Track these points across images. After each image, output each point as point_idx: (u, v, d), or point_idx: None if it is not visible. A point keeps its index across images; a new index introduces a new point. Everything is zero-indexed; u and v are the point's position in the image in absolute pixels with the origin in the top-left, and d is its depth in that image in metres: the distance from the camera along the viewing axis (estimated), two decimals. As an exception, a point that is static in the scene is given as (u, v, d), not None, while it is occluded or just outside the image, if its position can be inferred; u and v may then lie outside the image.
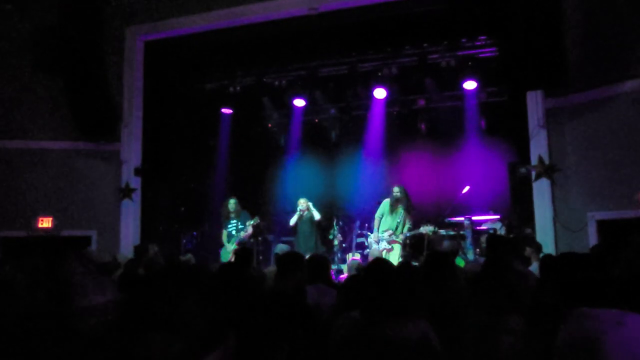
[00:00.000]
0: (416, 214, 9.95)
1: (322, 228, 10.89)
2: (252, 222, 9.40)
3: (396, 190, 9.19)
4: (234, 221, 9.57)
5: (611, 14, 7.39)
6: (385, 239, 9.05)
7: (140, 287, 1.14)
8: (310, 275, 4.04)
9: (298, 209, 9.74)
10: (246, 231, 9.39)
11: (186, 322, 1.04)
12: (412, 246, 9.53)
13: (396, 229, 9.08)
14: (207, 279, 1.16)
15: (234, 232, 9.51)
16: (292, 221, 9.83)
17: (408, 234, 9.00)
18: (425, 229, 8.81)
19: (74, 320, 2.33)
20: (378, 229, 9.28)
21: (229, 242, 9.50)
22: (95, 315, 2.31)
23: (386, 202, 9.34)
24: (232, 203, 9.65)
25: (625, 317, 1.10)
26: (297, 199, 9.92)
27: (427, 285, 3.31)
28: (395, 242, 9.02)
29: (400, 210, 9.12)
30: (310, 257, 4.60)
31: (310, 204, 9.78)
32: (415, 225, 9.31)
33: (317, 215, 9.74)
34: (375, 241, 9.14)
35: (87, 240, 9.37)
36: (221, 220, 9.89)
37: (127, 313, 1.10)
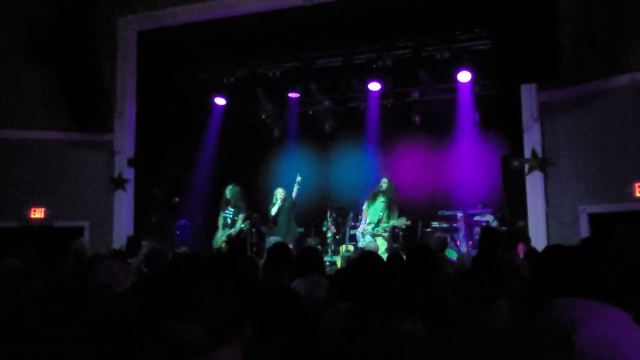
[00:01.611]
0: (409, 206, 9.98)
1: (316, 220, 10.93)
2: (242, 226, 9.36)
3: (383, 181, 8.99)
4: (231, 210, 9.50)
5: (606, 8, 7.41)
6: (368, 231, 8.84)
7: (161, 274, 1.15)
8: (306, 267, 4.03)
9: (278, 199, 9.63)
10: (235, 228, 9.32)
11: (208, 311, 1.06)
12: (404, 238, 9.58)
13: (378, 222, 8.84)
14: (227, 269, 1.18)
15: (228, 221, 9.49)
16: (274, 211, 9.70)
17: (388, 227, 8.76)
18: (399, 222, 8.70)
19: (112, 306, 2.35)
20: (365, 220, 9.07)
21: (222, 229, 9.47)
22: (125, 299, 2.34)
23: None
24: (228, 190, 9.51)
25: (604, 310, 1.11)
26: (292, 190, 9.86)
27: (411, 278, 3.32)
28: (378, 235, 8.72)
29: (380, 202, 8.90)
30: (304, 248, 4.59)
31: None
32: (409, 219, 9.28)
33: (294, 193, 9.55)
34: (361, 233, 8.99)
35: (79, 231, 9.34)
36: (220, 207, 9.73)
37: (149, 300, 1.11)
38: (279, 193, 9.59)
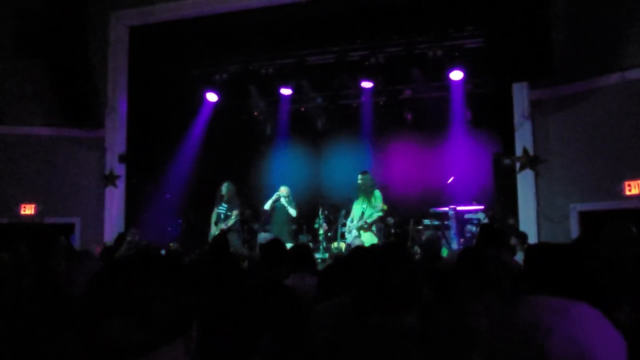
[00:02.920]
0: (400, 203, 9.99)
1: (307, 217, 10.90)
2: (235, 217, 9.35)
3: (359, 178, 8.98)
4: (224, 206, 9.51)
5: (598, 7, 7.45)
6: (353, 227, 8.86)
7: (104, 272, 1.13)
8: (296, 263, 4.04)
9: (281, 196, 9.60)
10: (228, 223, 9.31)
11: (148, 310, 1.04)
12: (396, 236, 9.59)
13: (361, 217, 8.79)
14: (174, 266, 1.15)
15: (222, 217, 9.49)
16: (267, 205, 9.67)
17: (370, 219, 8.71)
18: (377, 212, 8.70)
19: (63, 309, 2.32)
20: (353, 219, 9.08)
21: (216, 225, 9.47)
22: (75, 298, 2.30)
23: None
24: (224, 187, 9.52)
25: (573, 308, 1.06)
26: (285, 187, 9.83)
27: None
28: (362, 227, 8.71)
29: (362, 197, 8.89)
30: (295, 246, 4.60)
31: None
32: (401, 216, 9.26)
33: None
34: (348, 229, 9.01)
35: (70, 227, 9.29)
36: (214, 203, 9.73)
37: (90, 298, 1.09)
38: (283, 191, 9.61)
